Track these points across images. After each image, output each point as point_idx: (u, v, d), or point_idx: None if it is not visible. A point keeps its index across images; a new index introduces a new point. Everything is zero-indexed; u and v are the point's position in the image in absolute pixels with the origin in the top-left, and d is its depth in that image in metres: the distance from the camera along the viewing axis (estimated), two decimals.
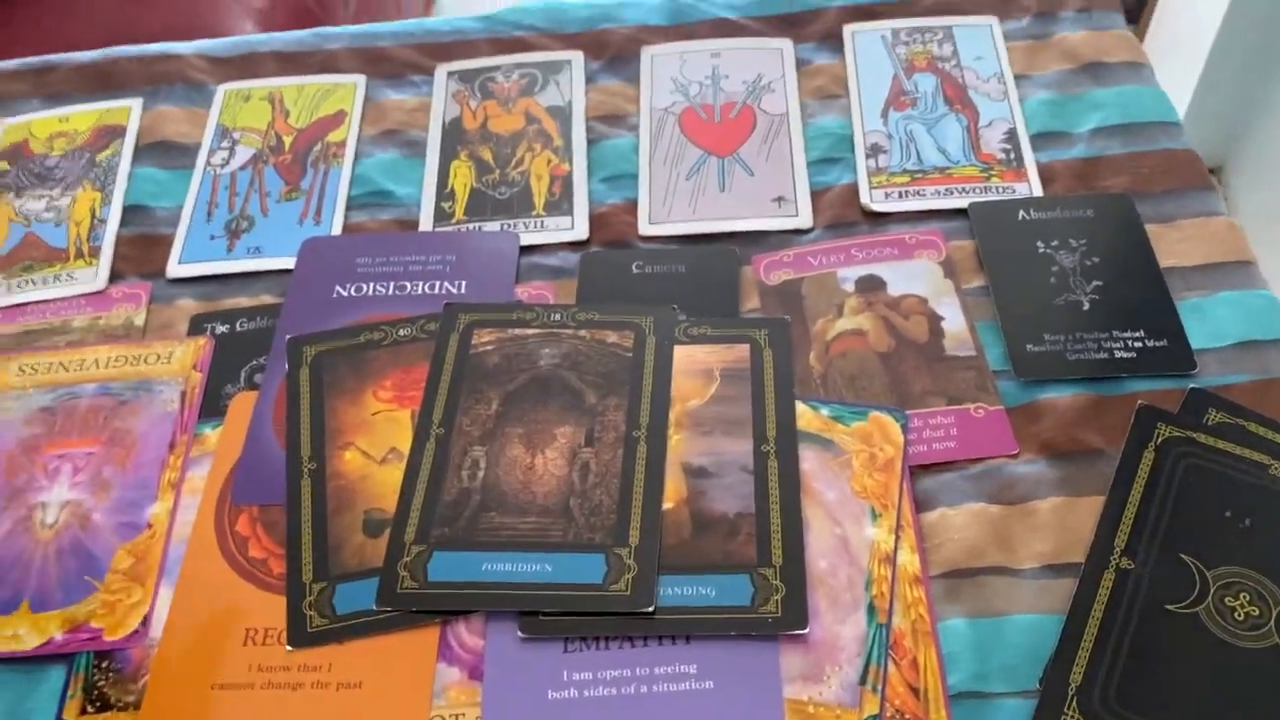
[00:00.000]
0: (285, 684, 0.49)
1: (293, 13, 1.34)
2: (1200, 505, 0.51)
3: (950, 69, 0.71)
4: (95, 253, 0.66)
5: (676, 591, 0.50)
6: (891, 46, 0.73)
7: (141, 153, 0.71)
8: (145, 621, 0.51)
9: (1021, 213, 0.63)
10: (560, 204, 0.67)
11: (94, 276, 0.65)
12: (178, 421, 0.58)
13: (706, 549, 0.51)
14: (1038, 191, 0.65)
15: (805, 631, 0.48)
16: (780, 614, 0.49)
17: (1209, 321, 0.58)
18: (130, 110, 0.73)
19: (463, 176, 0.69)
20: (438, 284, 0.63)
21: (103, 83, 0.75)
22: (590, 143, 0.70)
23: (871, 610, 0.49)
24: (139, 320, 0.63)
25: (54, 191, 0.70)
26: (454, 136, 0.71)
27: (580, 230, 0.66)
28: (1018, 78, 0.71)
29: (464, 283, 0.63)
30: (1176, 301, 0.59)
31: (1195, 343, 0.58)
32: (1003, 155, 0.67)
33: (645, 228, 0.66)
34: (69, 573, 0.53)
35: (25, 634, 0.51)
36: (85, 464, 0.56)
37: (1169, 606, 0.48)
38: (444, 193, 0.68)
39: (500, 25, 0.77)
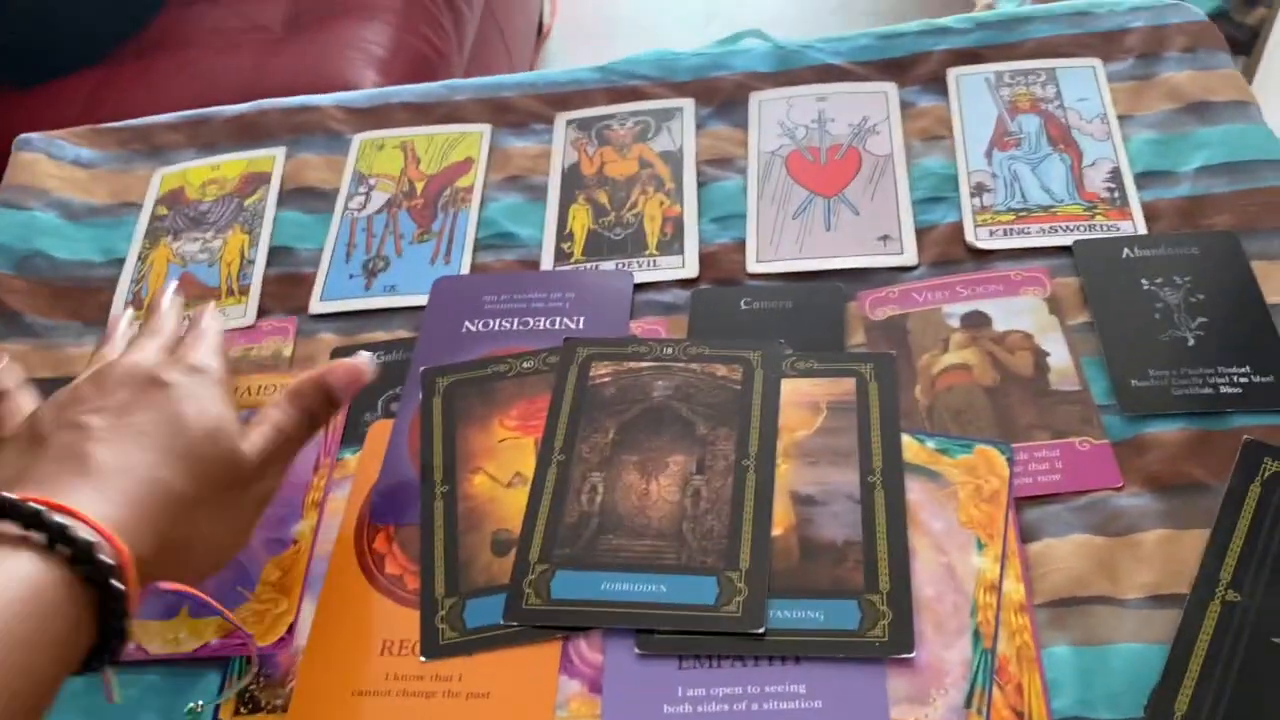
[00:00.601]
0: (419, 692, 0.53)
1: (411, 62, 1.42)
2: None
3: (1053, 110, 0.73)
4: (245, 290, 0.72)
5: (786, 614, 0.52)
6: (995, 89, 0.75)
7: (285, 198, 0.77)
8: (290, 630, 0.55)
9: (1126, 250, 0.64)
10: (672, 244, 0.70)
11: (244, 313, 0.71)
12: (321, 446, 0.62)
13: (814, 574, 0.54)
14: (1142, 229, 0.66)
15: (912, 655, 0.50)
16: (887, 638, 0.51)
17: None
18: (275, 158, 0.79)
19: (581, 219, 0.72)
20: (558, 320, 0.66)
21: (250, 133, 0.82)
22: (700, 185, 0.73)
23: (977, 636, 0.51)
24: (287, 351, 0.68)
25: (207, 234, 0.76)
26: (573, 181, 0.75)
27: (691, 268, 0.69)
28: (1122, 118, 0.72)
29: (582, 318, 0.66)
30: None
31: None
32: (1106, 194, 0.68)
33: (753, 265, 0.68)
34: (223, 583, 0.57)
35: (184, 638, 0.56)
36: None
37: (1276, 639, 0.49)
38: (563, 234, 0.72)
39: (614, 75, 0.81)
